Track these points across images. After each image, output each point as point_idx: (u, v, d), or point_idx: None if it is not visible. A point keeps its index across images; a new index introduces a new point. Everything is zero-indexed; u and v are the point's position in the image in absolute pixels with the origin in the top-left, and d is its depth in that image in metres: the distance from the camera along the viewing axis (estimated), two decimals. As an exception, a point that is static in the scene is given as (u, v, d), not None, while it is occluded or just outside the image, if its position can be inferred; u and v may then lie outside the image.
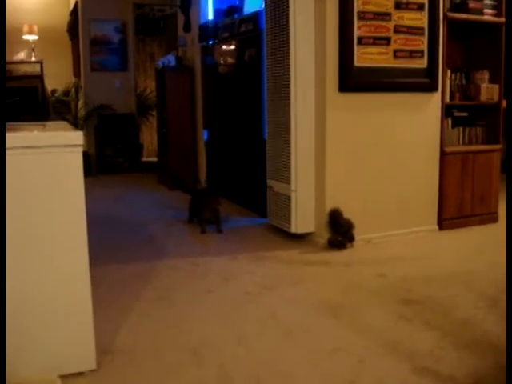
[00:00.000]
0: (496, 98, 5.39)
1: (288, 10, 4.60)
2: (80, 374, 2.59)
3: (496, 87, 5.38)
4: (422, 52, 4.90)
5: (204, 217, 5.36)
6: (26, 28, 9.72)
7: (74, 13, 9.65)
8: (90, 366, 2.61)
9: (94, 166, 9.26)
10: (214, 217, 5.34)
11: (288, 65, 4.67)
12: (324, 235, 4.74)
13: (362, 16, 4.61)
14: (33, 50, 9.88)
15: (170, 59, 7.82)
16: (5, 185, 2.32)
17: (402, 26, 4.78)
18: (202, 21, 7.28)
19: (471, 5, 5.15)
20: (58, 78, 10.03)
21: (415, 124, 5.02)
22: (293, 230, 4.88)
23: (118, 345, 2.93)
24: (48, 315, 2.50)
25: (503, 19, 5.27)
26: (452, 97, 5.29)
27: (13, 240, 2.37)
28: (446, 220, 5.26)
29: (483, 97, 5.34)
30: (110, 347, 2.88)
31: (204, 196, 5.45)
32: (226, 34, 6.46)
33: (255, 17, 5.68)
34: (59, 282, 2.49)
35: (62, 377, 2.48)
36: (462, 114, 5.50)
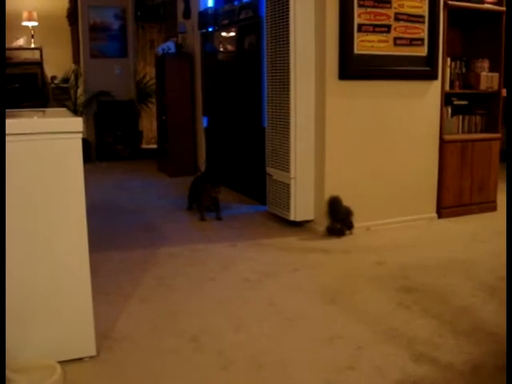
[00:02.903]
0: (496, 87, 5.39)
1: (288, -3, 4.58)
2: (80, 359, 2.60)
3: (496, 76, 5.37)
4: (422, 40, 4.89)
5: (203, 204, 5.36)
6: (25, 14, 9.70)
7: (73, -1, 9.62)
8: (89, 352, 2.63)
9: (94, 153, 9.26)
10: (214, 205, 5.35)
11: (288, 52, 4.65)
12: (323, 223, 4.75)
13: (362, 3, 4.59)
14: (32, 36, 9.85)
15: (170, 46, 7.79)
16: (5, 172, 2.32)
17: (403, 14, 4.77)
18: (202, 7, 7.25)
19: (472, -7, 5.14)
20: (57, 65, 10.01)
21: (415, 112, 5.02)
22: (292, 217, 4.88)
23: (117, 331, 2.94)
24: (48, 301, 2.51)
25: (503, 8, 5.25)
26: (452, 85, 5.28)
27: (13, 227, 2.37)
28: (445, 208, 5.27)
29: (483, 85, 5.33)
30: (109, 333, 2.90)
31: (203, 183, 5.44)
32: (226, 21, 6.43)
33: (255, 3, 5.66)
34: (59, 269, 2.50)
35: (62, 363, 2.49)
36: (461, 102, 5.50)
